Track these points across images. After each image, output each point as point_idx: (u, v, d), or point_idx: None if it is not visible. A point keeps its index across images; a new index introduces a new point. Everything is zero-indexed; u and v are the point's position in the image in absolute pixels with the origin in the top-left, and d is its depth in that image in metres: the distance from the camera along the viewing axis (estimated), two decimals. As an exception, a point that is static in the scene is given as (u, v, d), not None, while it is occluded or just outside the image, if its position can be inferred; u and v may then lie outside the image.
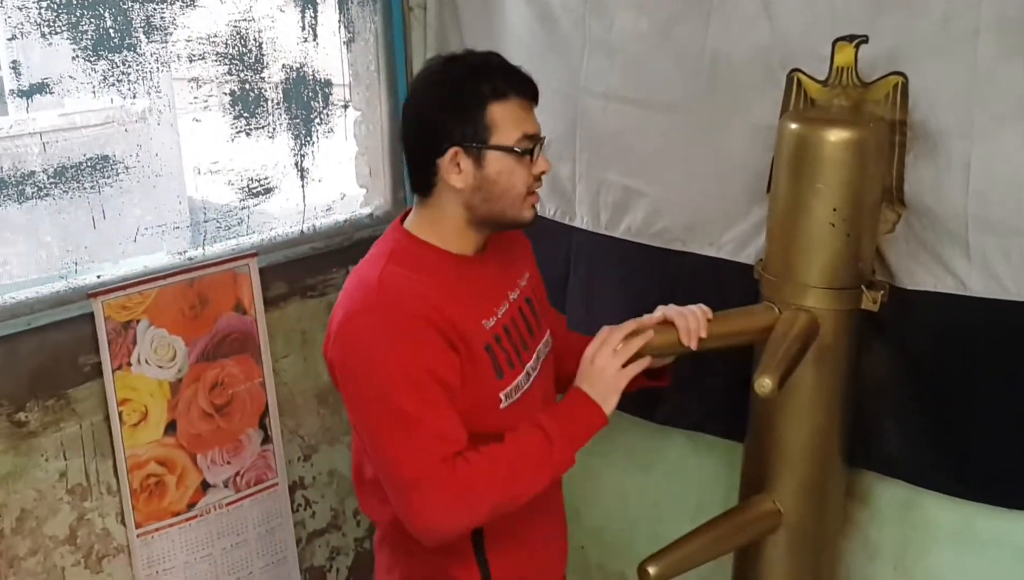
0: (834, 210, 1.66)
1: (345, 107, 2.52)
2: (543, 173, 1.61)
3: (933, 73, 1.68)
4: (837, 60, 1.73)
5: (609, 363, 1.59)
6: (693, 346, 1.64)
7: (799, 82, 1.84)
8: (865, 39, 1.69)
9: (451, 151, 1.55)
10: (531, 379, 1.69)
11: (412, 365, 1.50)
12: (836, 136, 1.65)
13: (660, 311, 1.66)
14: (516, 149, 1.56)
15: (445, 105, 1.57)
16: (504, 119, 1.55)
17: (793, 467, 1.83)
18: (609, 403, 1.58)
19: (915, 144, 1.72)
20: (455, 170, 1.56)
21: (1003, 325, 1.68)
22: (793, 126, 1.71)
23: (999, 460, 1.74)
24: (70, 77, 1.95)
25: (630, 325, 1.62)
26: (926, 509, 1.90)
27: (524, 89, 1.59)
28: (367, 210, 2.64)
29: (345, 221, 2.57)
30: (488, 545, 1.68)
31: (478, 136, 1.55)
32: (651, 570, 1.73)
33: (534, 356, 1.72)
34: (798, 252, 1.72)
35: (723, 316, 1.71)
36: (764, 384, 1.56)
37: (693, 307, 1.67)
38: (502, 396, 1.62)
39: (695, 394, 2.14)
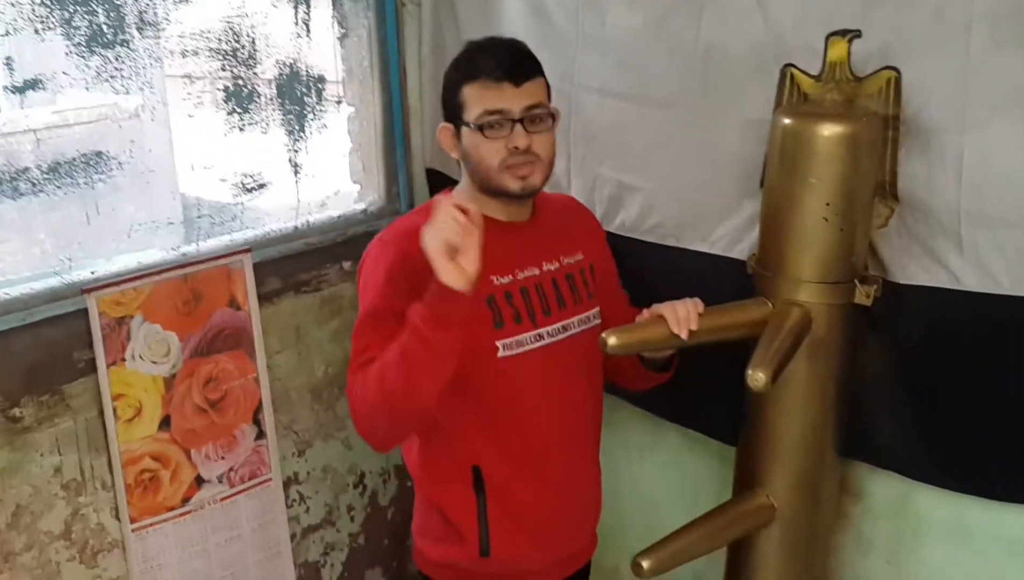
0: (827, 205, 1.67)
1: (339, 103, 2.52)
2: (516, 147, 1.72)
3: (926, 67, 1.68)
4: (830, 55, 1.73)
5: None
6: (683, 335, 1.66)
7: (792, 77, 1.84)
8: (858, 34, 1.69)
9: (441, 126, 1.82)
10: (543, 342, 1.83)
11: (375, 284, 1.75)
12: (829, 131, 1.66)
13: (652, 309, 1.72)
14: (471, 124, 1.74)
15: (444, 85, 1.82)
16: (471, 97, 1.74)
17: (786, 461, 1.83)
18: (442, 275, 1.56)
19: (908, 139, 1.72)
20: (449, 144, 1.82)
21: (996, 319, 1.68)
22: (786, 121, 1.71)
23: (991, 453, 1.75)
24: (64, 73, 1.95)
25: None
26: (919, 503, 1.91)
27: (492, 70, 1.73)
28: (361, 206, 2.64)
29: (339, 217, 2.58)
30: (490, 506, 1.84)
31: (456, 114, 1.78)
32: (645, 564, 1.73)
33: (558, 325, 1.85)
34: (791, 247, 1.73)
35: (716, 310, 1.73)
36: (757, 378, 1.56)
37: (684, 300, 1.70)
38: (499, 345, 1.78)
39: (691, 394, 2.14)
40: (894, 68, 1.71)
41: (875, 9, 1.72)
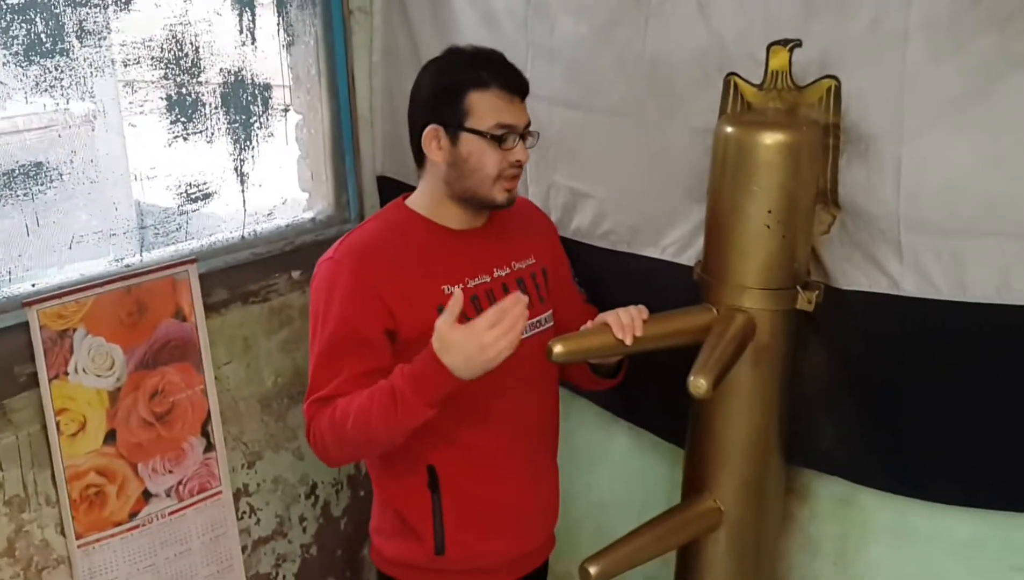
0: (769, 212, 1.68)
1: (286, 111, 2.51)
2: (518, 161, 1.80)
3: (864, 76, 1.70)
4: (772, 64, 1.76)
5: (493, 344, 1.60)
6: (628, 341, 1.68)
7: (736, 85, 1.86)
8: (799, 43, 1.72)
9: (431, 128, 1.80)
10: None
11: (331, 314, 1.77)
12: (770, 139, 1.67)
13: (598, 318, 1.74)
14: (486, 134, 1.77)
15: (434, 87, 1.82)
16: (481, 106, 1.77)
17: (732, 466, 1.84)
18: (466, 376, 1.62)
19: (848, 147, 1.74)
20: (435, 146, 1.81)
21: (934, 324, 1.70)
22: (728, 129, 1.72)
23: (932, 456, 1.77)
24: (1, 83, 1.91)
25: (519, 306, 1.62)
26: (863, 505, 1.93)
27: (507, 82, 1.79)
28: (309, 214, 2.63)
29: (287, 225, 2.56)
30: (445, 505, 1.88)
31: (456, 118, 1.78)
32: (592, 570, 1.73)
33: None
34: (734, 253, 1.74)
35: (660, 317, 1.74)
36: (699, 384, 1.57)
37: (629, 307, 1.73)
38: None
39: (643, 394, 2.17)
40: (834, 77, 1.73)
41: (815, 19, 1.74)
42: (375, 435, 1.71)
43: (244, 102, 2.38)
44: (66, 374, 2.05)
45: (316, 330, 1.81)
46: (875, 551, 1.94)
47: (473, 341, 1.59)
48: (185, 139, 2.27)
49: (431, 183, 1.86)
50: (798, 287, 1.74)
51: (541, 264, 1.99)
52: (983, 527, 1.77)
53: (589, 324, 1.74)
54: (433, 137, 1.80)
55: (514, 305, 1.60)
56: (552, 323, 1.97)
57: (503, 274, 1.92)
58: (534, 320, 1.93)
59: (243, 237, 2.44)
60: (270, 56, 2.43)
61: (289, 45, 2.50)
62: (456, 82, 1.79)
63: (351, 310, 1.76)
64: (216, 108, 2.31)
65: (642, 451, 2.32)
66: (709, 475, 1.88)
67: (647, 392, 2.15)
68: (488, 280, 1.89)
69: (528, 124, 1.83)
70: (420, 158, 1.86)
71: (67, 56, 2.00)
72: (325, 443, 1.78)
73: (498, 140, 1.77)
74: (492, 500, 1.91)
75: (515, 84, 1.81)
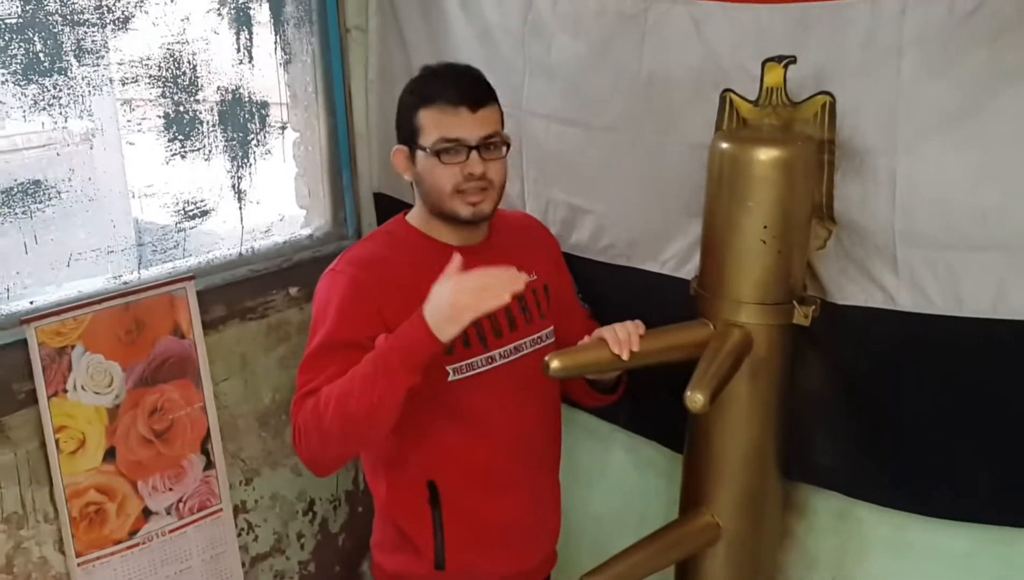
0: (765, 227, 1.69)
1: (283, 128, 2.52)
2: (472, 174, 1.76)
3: (858, 92, 1.71)
4: (766, 80, 1.76)
5: (463, 297, 1.61)
6: (624, 356, 1.68)
7: (731, 102, 1.86)
8: (793, 59, 1.72)
9: (395, 149, 1.84)
10: (495, 364, 1.85)
11: (326, 321, 1.76)
12: (766, 155, 1.68)
13: (595, 333, 1.74)
14: (427, 149, 1.77)
15: (399, 108, 1.85)
16: (427, 122, 1.77)
17: (730, 480, 1.85)
18: (446, 331, 1.61)
19: (843, 162, 1.75)
20: (403, 166, 1.84)
21: (930, 338, 1.71)
22: (724, 145, 1.73)
23: (928, 471, 1.77)
24: (0, 102, 1.92)
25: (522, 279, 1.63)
26: (861, 519, 1.93)
27: (451, 96, 1.76)
28: (307, 231, 2.64)
29: (284, 242, 2.57)
30: (446, 520, 1.87)
31: (411, 137, 1.80)
32: (591, 586, 1.74)
33: (510, 346, 1.88)
34: (731, 269, 1.75)
35: (657, 332, 1.75)
36: (696, 399, 1.58)
37: (626, 322, 1.73)
38: (449, 369, 1.80)
39: (645, 403, 2.17)
40: (828, 93, 1.74)
41: (809, 35, 1.75)
42: (356, 413, 1.64)
43: (242, 120, 2.39)
44: (65, 391, 2.05)
45: (312, 338, 1.81)
46: (873, 565, 1.94)
47: (459, 287, 1.61)
48: (183, 157, 2.27)
49: (417, 201, 1.89)
50: (794, 302, 1.75)
51: (543, 280, 1.99)
52: (981, 541, 1.77)
53: (586, 339, 1.74)
54: (399, 157, 1.84)
55: (512, 280, 1.60)
56: (553, 339, 1.97)
57: None
58: (534, 336, 1.93)
59: (241, 254, 2.45)
60: (267, 74, 2.44)
61: (286, 63, 2.51)
62: (409, 101, 1.81)
63: (346, 317, 1.76)
64: (214, 126, 2.32)
65: (640, 466, 2.32)
66: (707, 490, 1.88)
67: (647, 397, 2.14)
68: None
69: (490, 135, 1.79)
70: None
71: (65, 75, 2.01)
72: (309, 440, 1.71)
73: (438, 154, 1.76)
74: (492, 515, 1.91)
75: (461, 96, 1.77)
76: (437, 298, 1.62)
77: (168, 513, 2.26)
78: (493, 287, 1.60)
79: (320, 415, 1.66)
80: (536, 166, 2.26)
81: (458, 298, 1.60)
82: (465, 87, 1.79)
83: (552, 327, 1.98)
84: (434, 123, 1.77)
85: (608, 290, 2.17)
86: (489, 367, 1.85)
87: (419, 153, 1.79)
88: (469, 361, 1.84)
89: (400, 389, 1.63)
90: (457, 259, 1.66)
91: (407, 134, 1.82)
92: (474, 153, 1.77)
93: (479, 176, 1.77)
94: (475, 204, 1.79)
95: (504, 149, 1.83)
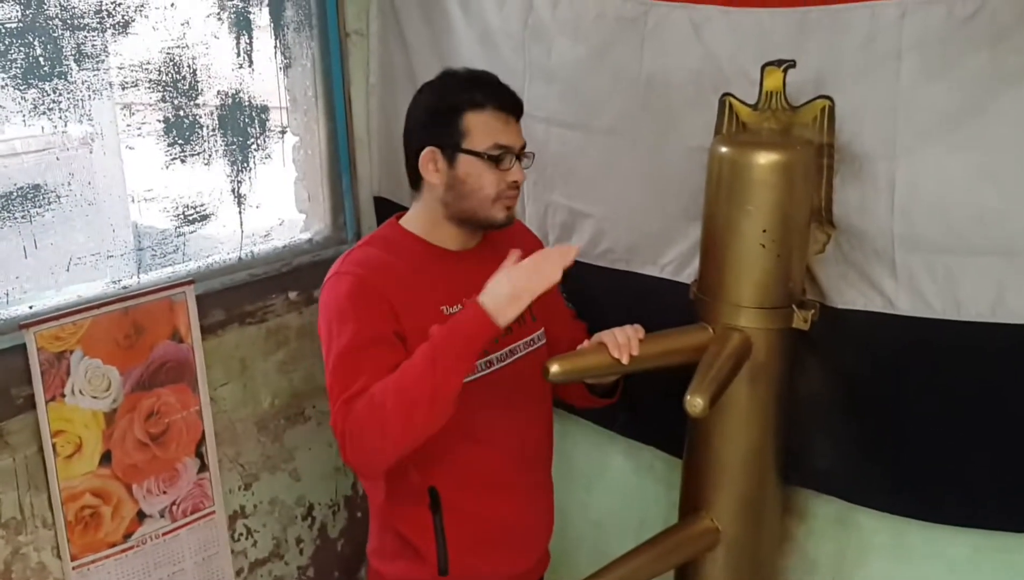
0: (764, 231, 1.69)
1: (283, 133, 2.52)
2: (515, 182, 1.80)
3: (857, 95, 1.71)
4: (766, 84, 1.77)
5: (521, 281, 1.64)
6: (624, 360, 1.68)
7: (731, 105, 1.87)
8: (792, 64, 1.73)
9: (428, 150, 1.79)
10: (493, 367, 1.85)
11: (345, 319, 1.75)
12: (765, 159, 1.68)
13: (594, 338, 1.74)
14: (484, 154, 1.76)
15: (430, 109, 1.82)
16: (478, 127, 1.77)
17: (730, 485, 1.85)
18: (504, 314, 1.62)
19: (842, 166, 1.75)
20: (432, 168, 1.80)
21: (929, 343, 1.71)
22: (723, 149, 1.73)
23: (928, 476, 1.77)
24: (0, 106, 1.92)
25: (572, 251, 1.66)
26: (860, 524, 1.93)
27: (503, 103, 1.79)
28: (306, 235, 2.64)
29: (284, 247, 2.57)
30: (447, 525, 1.86)
31: (453, 139, 1.78)
32: (592, 591, 1.74)
33: (506, 349, 1.87)
34: (730, 273, 1.75)
35: (657, 336, 1.75)
36: (695, 403, 1.58)
37: (625, 326, 1.73)
38: None
39: (644, 409, 2.17)
40: (828, 97, 1.74)
41: (808, 39, 1.75)
42: (419, 400, 1.63)
43: (241, 124, 2.39)
44: (63, 396, 2.05)
45: (331, 342, 1.77)
46: (873, 570, 1.94)
47: (516, 273, 1.64)
48: (183, 161, 2.27)
49: (427, 204, 1.86)
50: (794, 306, 1.75)
51: None
52: (981, 547, 1.77)
53: (586, 343, 1.74)
54: (430, 159, 1.80)
55: (562, 255, 1.63)
56: (544, 341, 1.98)
57: None
58: (527, 338, 1.94)
59: (240, 258, 2.45)
60: (267, 78, 2.45)
61: (286, 67, 2.51)
62: (452, 103, 1.79)
63: (365, 313, 1.74)
64: (214, 130, 2.32)
65: (639, 470, 2.32)
66: (706, 494, 1.88)
67: (644, 403, 2.14)
68: None
69: (524, 145, 1.83)
70: (415, 180, 1.85)
71: (65, 79, 2.01)
72: (364, 439, 1.67)
73: (495, 160, 1.77)
74: (491, 518, 1.91)
75: (511, 105, 1.81)
76: (496, 286, 1.64)
77: (162, 516, 2.26)
78: (545, 267, 1.62)
79: (377, 410, 1.64)
80: (536, 169, 2.25)
81: (516, 282, 1.62)
82: (510, 96, 1.82)
83: (543, 329, 1.99)
84: (486, 129, 1.77)
85: (608, 295, 2.17)
86: (488, 371, 1.85)
87: (463, 156, 1.78)
88: None
89: (460, 374, 1.63)
90: (515, 253, 1.69)
91: (444, 136, 1.79)
92: (517, 162, 1.81)
93: (519, 184, 1.82)
94: (510, 209, 1.83)
95: (531, 158, 1.87)
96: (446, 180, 1.80)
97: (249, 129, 2.41)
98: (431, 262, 1.86)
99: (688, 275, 2.03)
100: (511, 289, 1.62)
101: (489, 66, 2.14)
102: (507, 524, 1.93)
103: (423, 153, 1.80)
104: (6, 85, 1.92)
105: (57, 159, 2.03)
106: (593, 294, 2.17)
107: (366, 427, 1.66)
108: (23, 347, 1.99)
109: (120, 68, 2.11)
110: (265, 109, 2.44)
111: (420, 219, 1.88)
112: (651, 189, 2.06)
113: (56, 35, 1.98)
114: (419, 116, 1.85)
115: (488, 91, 1.80)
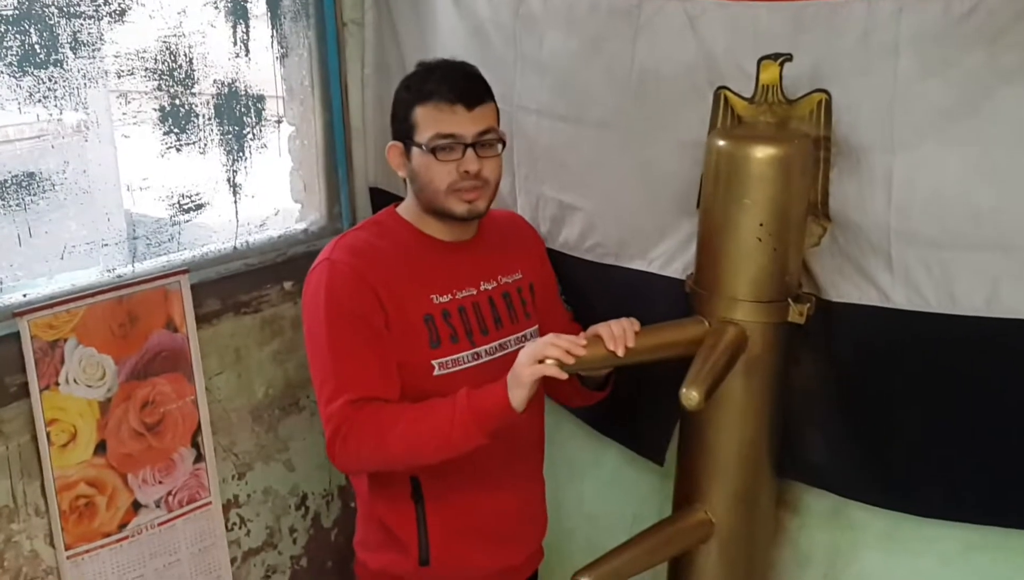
0: (760, 225, 1.69)
1: (279, 122, 2.52)
2: (468, 172, 1.77)
3: (854, 89, 1.70)
4: (762, 78, 1.76)
5: (525, 359, 1.64)
6: (620, 353, 1.67)
7: (726, 99, 1.86)
8: (789, 57, 1.72)
9: (391, 145, 1.84)
10: (481, 360, 1.87)
11: (342, 312, 1.76)
12: (762, 153, 1.68)
13: (589, 330, 1.73)
14: (422, 146, 1.77)
15: (395, 103, 1.85)
16: (423, 119, 1.77)
17: (724, 478, 1.85)
18: (515, 395, 1.64)
19: (839, 159, 1.75)
20: (397, 162, 1.84)
21: (924, 337, 1.71)
22: (720, 143, 1.73)
23: (922, 471, 1.77)
24: (-6, 94, 1.92)
25: (578, 338, 1.67)
26: (854, 517, 1.93)
27: (448, 92, 1.76)
28: (302, 225, 2.63)
29: (279, 237, 2.56)
30: (429, 515, 1.88)
31: (407, 133, 1.80)
32: (585, 581, 1.74)
33: (495, 343, 1.90)
34: (726, 266, 1.75)
35: (652, 329, 1.74)
36: (691, 396, 1.58)
37: (620, 319, 1.72)
38: (434, 363, 1.82)
39: (628, 411, 2.17)
40: (824, 90, 1.74)
41: (805, 32, 1.75)
42: (424, 452, 1.71)
43: (237, 113, 2.38)
44: (57, 384, 2.04)
45: (318, 330, 1.78)
46: (866, 563, 1.94)
47: (522, 354, 1.65)
48: (178, 150, 2.27)
49: (411, 196, 1.89)
50: (789, 300, 1.75)
51: (528, 279, 2.01)
52: (974, 539, 1.77)
53: (581, 336, 1.73)
54: (395, 153, 1.84)
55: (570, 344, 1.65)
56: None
57: (490, 287, 1.93)
58: (520, 334, 1.94)
59: (235, 248, 2.45)
60: (264, 68, 2.44)
61: (283, 57, 2.50)
62: (405, 97, 1.81)
63: (355, 302, 1.76)
64: (209, 119, 2.32)
65: (634, 463, 2.32)
66: (700, 487, 1.88)
67: (628, 409, 2.15)
68: (475, 293, 1.90)
69: (485, 131, 1.79)
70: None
71: (61, 67, 2.00)
72: (361, 450, 1.73)
73: (433, 151, 1.76)
74: (476, 511, 1.91)
75: (457, 92, 1.77)
76: (513, 365, 1.66)
77: (157, 506, 2.26)
78: (543, 345, 1.63)
79: (383, 429, 1.71)
80: (527, 162, 2.26)
81: (519, 361, 1.64)
82: (461, 84, 1.79)
83: (537, 326, 1.99)
84: (430, 120, 1.77)
85: (596, 289, 2.17)
86: (475, 363, 1.86)
87: (414, 150, 1.79)
88: (455, 356, 1.85)
89: (471, 446, 1.68)
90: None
91: (402, 130, 1.82)
92: (469, 150, 1.77)
93: (474, 173, 1.77)
94: (470, 201, 1.80)
95: (500, 147, 1.83)
96: (409, 174, 1.84)
97: (245, 118, 2.40)
98: (424, 251, 1.86)
99: (676, 269, 2.03)
100: (514, 369, 1.64)
101: (480, 57, 2.14)
102: (492, 517, 1.93)
103: (388, 148, 1.85)
104: (1, 72, 1.91)
105: (52, 147, 2.02)
106: (582, 288, 2.17)
107: (365, 438, 1.71)
108: (16, 335, 1.99)
109: (116, 56, 2.11)
110: (261, 99, 2.43)
111: (410, 209, 1.90)
112: (642, 183, 2.05)
113: (52, 23, 1.97)
114: (392, 110, 1.87)
115: (435, 82, 1.78)
